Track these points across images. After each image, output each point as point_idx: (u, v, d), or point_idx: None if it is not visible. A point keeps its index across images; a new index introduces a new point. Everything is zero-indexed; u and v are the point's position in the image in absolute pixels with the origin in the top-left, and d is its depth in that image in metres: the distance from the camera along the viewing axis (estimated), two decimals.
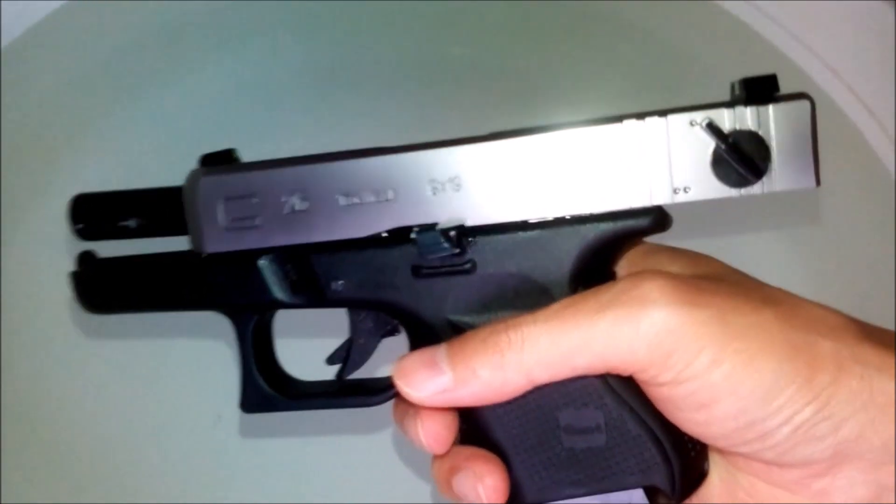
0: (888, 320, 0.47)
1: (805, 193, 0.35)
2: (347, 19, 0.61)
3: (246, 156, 0.40)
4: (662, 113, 0.34)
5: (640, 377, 0.32)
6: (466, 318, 0.36)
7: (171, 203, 0.39)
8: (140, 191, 0.42)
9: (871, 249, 0.58)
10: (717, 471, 0.35)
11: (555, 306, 0.33)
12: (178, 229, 0.39)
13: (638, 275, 0.33)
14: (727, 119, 0.34)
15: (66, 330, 0.56)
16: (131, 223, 0.41)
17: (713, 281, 0.34)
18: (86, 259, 0.42)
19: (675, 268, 0.36)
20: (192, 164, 0.40)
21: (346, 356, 0.40)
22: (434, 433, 0.36)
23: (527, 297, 0.35)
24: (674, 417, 0.33)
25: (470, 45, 0.62)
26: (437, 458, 0.37)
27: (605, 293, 0.32)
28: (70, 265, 0.54)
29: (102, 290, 0.41)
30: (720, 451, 0.35)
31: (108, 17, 0.59)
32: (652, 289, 0.31)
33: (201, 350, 0.55)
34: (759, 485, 0.34)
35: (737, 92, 0.35)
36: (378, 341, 0.40)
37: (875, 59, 0.58)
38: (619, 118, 0.35)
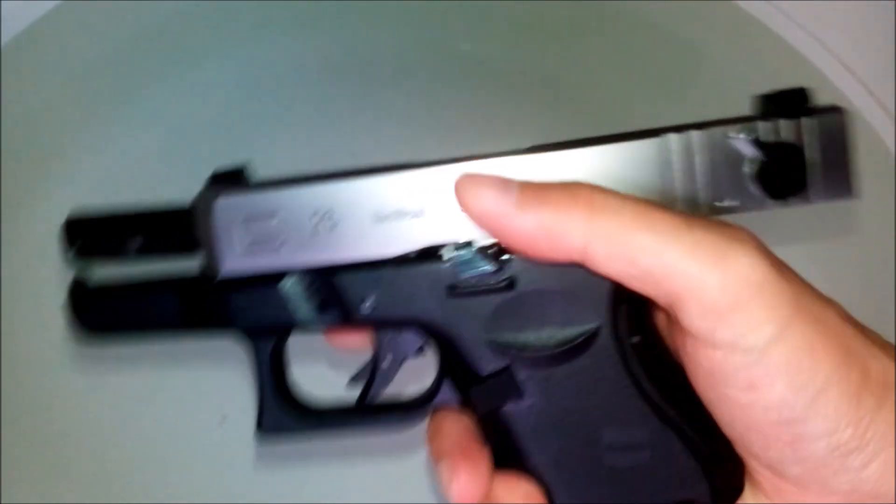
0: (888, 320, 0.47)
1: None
2: (354, 15, 0.60)
3: (252, 155, 0.38)
4: (700, 126, 0.34)
5: (692, 324, 0.30)
6: (507, 336, 0.34)
7: (179, 224, 0.37)
8: (142, 211, 0.39)
9: (878, 248, 0.58)
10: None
11: (648, 201, 0.31)
12: (186, 249, 0.37)
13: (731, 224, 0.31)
14: (763, 132, 0.33)
15: (66, 330, 0.55)
16: (133, 245, 0.38)
17: None
18: (79, 288, 0.39)
19: None
20: (195, 162, 0.38)
21: (371, 378, 0.38)
22: (467, 488, 0.34)
23: (569, 313, 0.34)
24: (716, 393, 0.31)
25: (479, 41, 0.61)
26: None
27: (699, 217, 0.31)
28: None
29: (102, 320, 0.38)
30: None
31: (110, 14, 0.57)
32: (748, 236, 0.30)
33: (206, 349, 0.54)
34: None
35: (762, 105, 0.35)
36: (403, 362, 0.38)
37: (890, 57, 0.57)
38: (656, 132, 0.34)
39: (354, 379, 0.39)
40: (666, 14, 0.60)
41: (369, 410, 0.38)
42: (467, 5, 0.60)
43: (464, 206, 0.32)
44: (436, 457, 0.35)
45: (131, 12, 0.57)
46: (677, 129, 0.34)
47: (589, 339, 0.34)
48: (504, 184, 0.32)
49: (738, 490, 0.34)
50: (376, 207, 0.34)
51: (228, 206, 0.35)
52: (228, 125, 0.58)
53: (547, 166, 0.34)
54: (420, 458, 0.51)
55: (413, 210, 0.34)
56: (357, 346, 0.39)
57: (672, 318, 0.31)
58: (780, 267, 0.30)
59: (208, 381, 0.54)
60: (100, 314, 0.38)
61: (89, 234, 0.39)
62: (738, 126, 0.33)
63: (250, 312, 0.36)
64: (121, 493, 0.53)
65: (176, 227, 0.37)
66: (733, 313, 0.29)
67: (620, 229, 0.30)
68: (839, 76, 0.58)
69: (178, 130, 0.58)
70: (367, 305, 0.35)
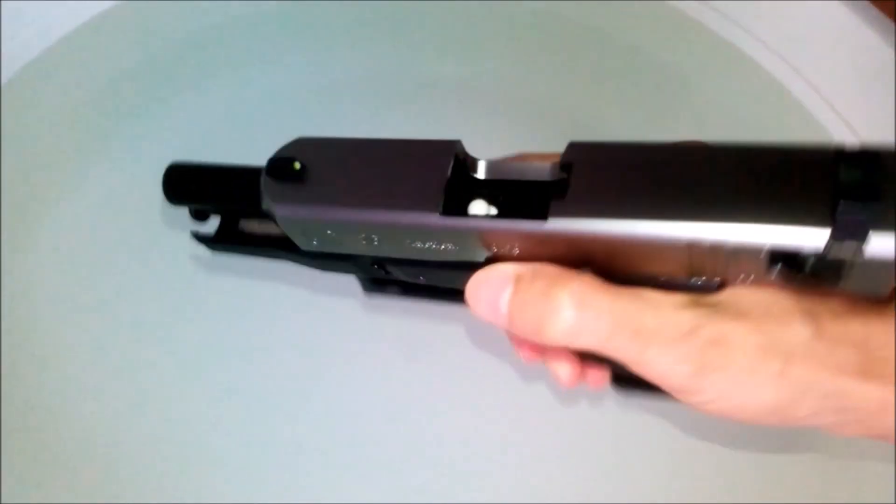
0: None
1: None
2: (351, 36, 0.62)
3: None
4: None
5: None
6: None
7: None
8: (232, 173, 0.43)
9: None
10: None
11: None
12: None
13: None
14: (830, 250, 0.26)
15: (64, 338, 0.56)
16: (221, 208, 0.44)
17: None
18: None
19: None
20: None
21: None
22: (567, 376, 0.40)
23: None
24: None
25: (467, 64, 0.64)
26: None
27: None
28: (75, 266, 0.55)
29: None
30: None
31: (134, 31, 0.58)
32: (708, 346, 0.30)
33: (194, 357, 0.55)
34: None
35: (842, 172, 0.26)
36: None
37: (856, 77, 0.60)
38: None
39: None
40: (648, 39, 0.62)
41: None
42: (456, 29, 0.62)
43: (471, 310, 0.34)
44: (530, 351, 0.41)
45: (155, 29, 0.59)
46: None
47: None
48: (496, 302, 0.33)
49: None
50: (416, 240, 0.35)
51: (285, 214, 0.37)
52: (245, 139, 0.60)
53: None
54: None
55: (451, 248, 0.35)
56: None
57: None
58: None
59: (198, 388, 0.55)
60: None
61: (184, 194, 0.44)
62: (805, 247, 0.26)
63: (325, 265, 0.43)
64: (120, 494, 0.53)
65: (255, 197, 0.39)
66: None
67: (601, 342, 0.31)
68: (807, 97, 0.61)
69: (195, 144, 0.60)
70: (421, 280, 0.39)
